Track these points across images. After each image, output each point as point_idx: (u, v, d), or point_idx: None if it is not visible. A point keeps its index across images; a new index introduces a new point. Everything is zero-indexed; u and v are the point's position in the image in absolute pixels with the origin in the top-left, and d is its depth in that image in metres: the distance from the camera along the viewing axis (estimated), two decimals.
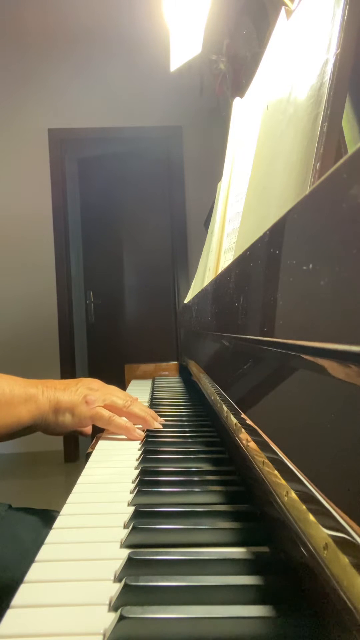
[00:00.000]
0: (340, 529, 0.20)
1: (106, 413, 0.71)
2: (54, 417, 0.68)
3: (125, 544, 0.37)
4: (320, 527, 0.23)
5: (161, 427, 0.76)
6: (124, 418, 0.74)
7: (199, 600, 0.29)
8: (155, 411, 0.90)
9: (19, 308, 3.44)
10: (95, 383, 0.74)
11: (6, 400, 0.64)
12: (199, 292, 1.01)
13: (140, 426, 0.75)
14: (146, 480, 0.50)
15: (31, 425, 0.67)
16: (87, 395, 0.70)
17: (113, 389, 0.76)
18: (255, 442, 0.37)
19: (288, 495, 0.28)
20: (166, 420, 0.82)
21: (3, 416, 0.64)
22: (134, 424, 0.74)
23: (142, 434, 0.71)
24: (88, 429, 0.76)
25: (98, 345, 3.79)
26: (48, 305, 3.47)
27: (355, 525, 0.19)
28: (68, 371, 3.45)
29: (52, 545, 0.38)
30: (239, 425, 0.44)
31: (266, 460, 0.33)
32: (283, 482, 0.29)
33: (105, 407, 0.72)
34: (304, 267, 0.28)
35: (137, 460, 0.61)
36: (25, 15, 3.35)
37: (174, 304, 3.64)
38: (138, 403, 0.77)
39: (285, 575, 0.31)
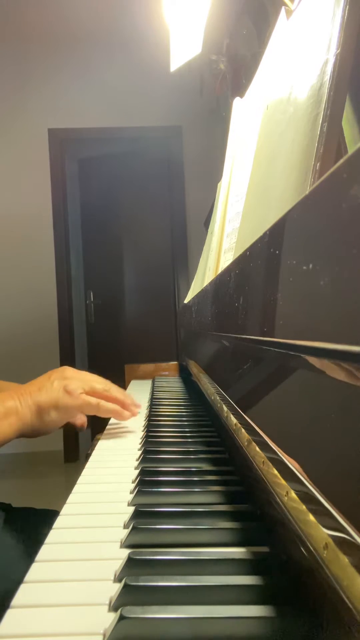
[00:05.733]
0: (340, 529, 0.20)
1: (93, 400, 0.69)
2: (38, 421, 0.66)
3: (125, 544, 0.37)
4: (320, 527, 0.23)
5: (137, 413, 0.77)
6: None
7: (199, 600, 0.29)
8: (155, 411, 0.90)
9: (19, 308, 3.43)
10: (68, 371, 0.72)
11: None
12: (199, 292, 1.01)
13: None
14: (146, 480, 0.50)
15: (17, 437, 0.66)
16: (65, 385, 0.68)
17: (87, 374, 0.74)
18: (255, 442, 0.37)
19: (288, 495, 0.28)
20: (166, 420, 0.82)
21: None
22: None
23: (130, 414, 0.73)
24: (83, 420, 0.75)
25: (98, 345, 3.79)
26: (48, 305, 3.47)
27: (355, 525, 0.19)
28: None
29: (52, 545, 0.38)
30: (239, 425, 0.44)
31: (266, 460, 0.33)
32: (283, 482, 0.29)
33: (87, 393, 0.70)
34: (304, 267, 0.28)
35: (137, 460, 0.61)
36: (26, 15, 3.35)
37: (174, 304, 3.63)
38: (115, 386, 0.76)
39: (285, 575, 0.31)
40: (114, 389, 0.74)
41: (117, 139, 3.57)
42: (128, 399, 0.75)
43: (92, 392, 0.71)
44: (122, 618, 0.26)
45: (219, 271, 0.78)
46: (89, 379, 0.73)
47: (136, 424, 0.82)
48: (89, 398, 0.69)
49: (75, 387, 0.68)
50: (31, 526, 0.69)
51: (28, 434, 0.67)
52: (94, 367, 3.78)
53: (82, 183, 3.85)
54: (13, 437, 0.65)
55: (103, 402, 0.71)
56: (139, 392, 1.24)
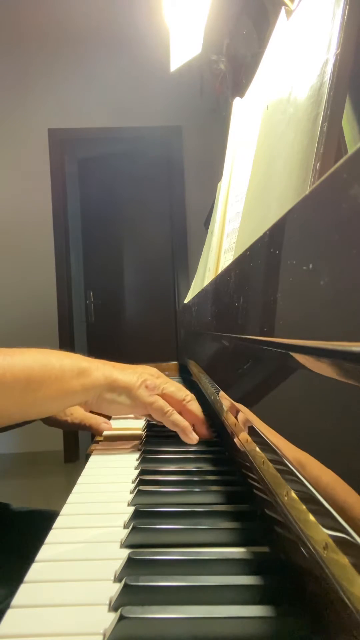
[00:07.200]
0: (340, 529, 0.20)
1: (166, 405, 0.64)
2: (109, 395, 0.63)
3: (125, 544, 0.37)
4: (320, 527, 0.23)
5: (213, 436, 0.68)
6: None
7: (199, 600, 0.29)
8: None
9: (19, 308, 3.43)
10: (154, 370, 0.69)
11: (56, 375, 0.58)
12: (199, 292, 1.01)
13: None
14: (146, 480, 0.50)
15: (85, 401, 0.63)
16: (146, 379, 0.64)
17: (171, 380, 0.69)
18: (255, 441, 0.37)
19: (288, 495, 0.28)
20: None
21: (55, 392, 0.59)
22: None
23: (197, 438, 0.65)
24: (102, 427, 0.74)
25: (98, 345, 3.79)
26: (48, 305, 3.47)
27: (355, 525, 0.19)
28: None
29: (52, 545, 0.38)
30: (239, 424, 0.44)
31: (266, 460, 0.33)
32: (283, 482, 0.29)
33: (163, 396, 0.65)
34: (304, 267, 0.28)
35: (137, 460, 0.61)
36: (26, 15, 3.35)
37: (174, 304, 3.63)
38: (195, 401, 0.69)
39: (285, 575, 0.31)
40: (193, 403, 0.68)
41: (117, 139, 3.57)
42: (205, 418, 0.69)
43: (170, 397, 0.66)
44: (122, 618, 0.26)
45: (219, 271, 0.78)
46: (171, 382, 0.68)
47: (136, 425, 0.82)
48: (162, 402, 0.65)
49: (155, 385, 0.65)
50: (31, 526, 0.68)
51: (92, 403, 0.63)
52: None
53: (82, 183, 3.86)
54: (82, 399, 0.62)
55: (175, 413, 0.65)
56: None
